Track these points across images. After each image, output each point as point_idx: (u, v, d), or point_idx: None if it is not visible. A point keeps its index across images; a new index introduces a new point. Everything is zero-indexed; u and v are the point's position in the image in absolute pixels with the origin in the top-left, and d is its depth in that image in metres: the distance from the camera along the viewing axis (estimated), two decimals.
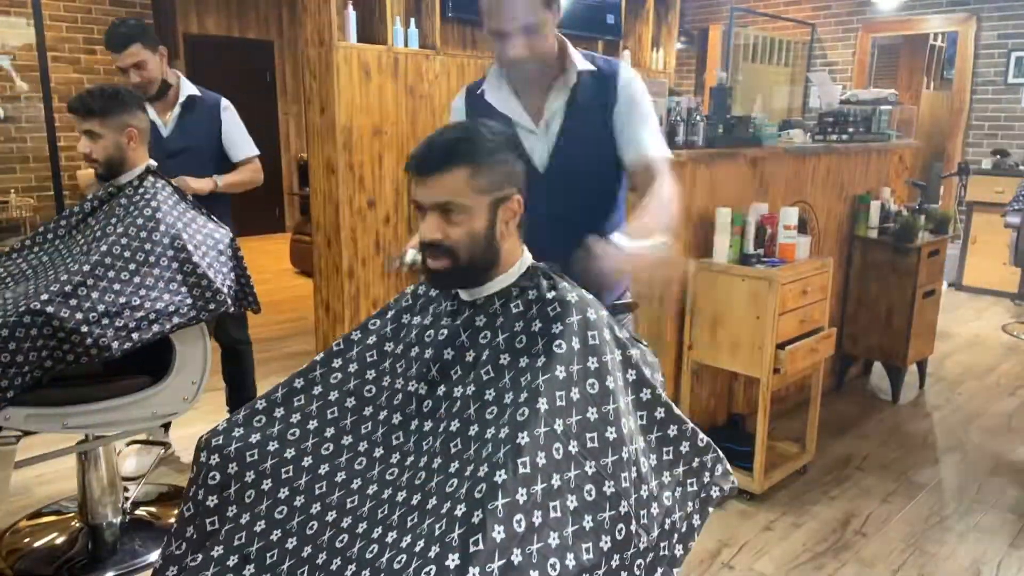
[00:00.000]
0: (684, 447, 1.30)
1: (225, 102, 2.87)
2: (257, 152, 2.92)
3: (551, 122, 1.64)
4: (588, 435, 1.16)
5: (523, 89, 1.66)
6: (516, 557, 1.02)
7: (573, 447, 1.14)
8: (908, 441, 3.34)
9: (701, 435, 1.34)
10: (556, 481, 1.10)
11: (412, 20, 3.82)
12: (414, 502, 1.16)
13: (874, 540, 2.53)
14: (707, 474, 1.33)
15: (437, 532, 1.06)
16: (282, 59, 8.44)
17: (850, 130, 3.60)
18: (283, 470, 1.27)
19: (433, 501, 1.13)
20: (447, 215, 1.25)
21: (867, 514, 2.69)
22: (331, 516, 1.21)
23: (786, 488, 2.86)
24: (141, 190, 2.18)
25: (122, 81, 2.60)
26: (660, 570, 1.21)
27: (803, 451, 2.99)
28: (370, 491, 1.22)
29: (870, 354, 3.90)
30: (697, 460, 1.32)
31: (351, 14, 3.56)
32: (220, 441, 1.30)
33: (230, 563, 1.22)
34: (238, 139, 2.88)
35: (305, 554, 1.18)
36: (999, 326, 5.20)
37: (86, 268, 2.01)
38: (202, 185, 2.63)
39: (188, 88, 2.79)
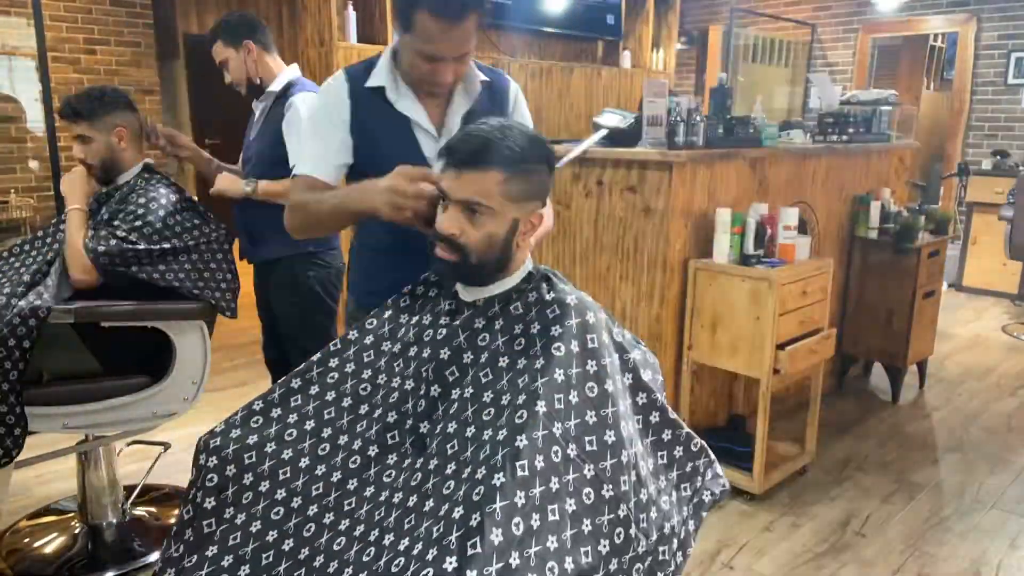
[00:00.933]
0: (677, 451, 1.30)
1: (298, 96, 2.35)
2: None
3: (452, 130, 1.55)
4: (587, 438, 1.16)
5: (424, 94, 1.57)
6: (514, 560, 1.02)
7: (572, 450, 1.14)
8: (908, 441, 3.34)
9: (695, 439, 1.34)
10: (555, 484, 1.10)
11: None
12: (411, 504, 1.16)
13: (874, 540, 2.53)
14: (699, 479, 1.33)
15: (435, 535, 1.06)
16: (282, 59, 8.43)
17: (850, 131, 3.60)
18: (280, 472, 1.27)
19: (430, 503, 1.13)
20: (471, 214, 1.24)
21: (867, 514, 2.69)
22: (328, 518, 1.21)
23: (786, 488, 2.86)
24: (137, 188, 2.18)
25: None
26: (660, 574, 1.21)
27: (803, 451, 2.99)
28: (367, 493, 1.22)
29: (870, 354, 3.90)
30: (690, 465, 1.32)
31: (351, 14, 3.57)
32: (218, 443, 1.30)
33: (224, 563, 1.22)
34: (291, 143, 2.33)
35: (302, 556, 1.18)
36: (999, 326, 5.20)
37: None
38: (228, 185, 2.35)
39: (280, 82, 2.44)
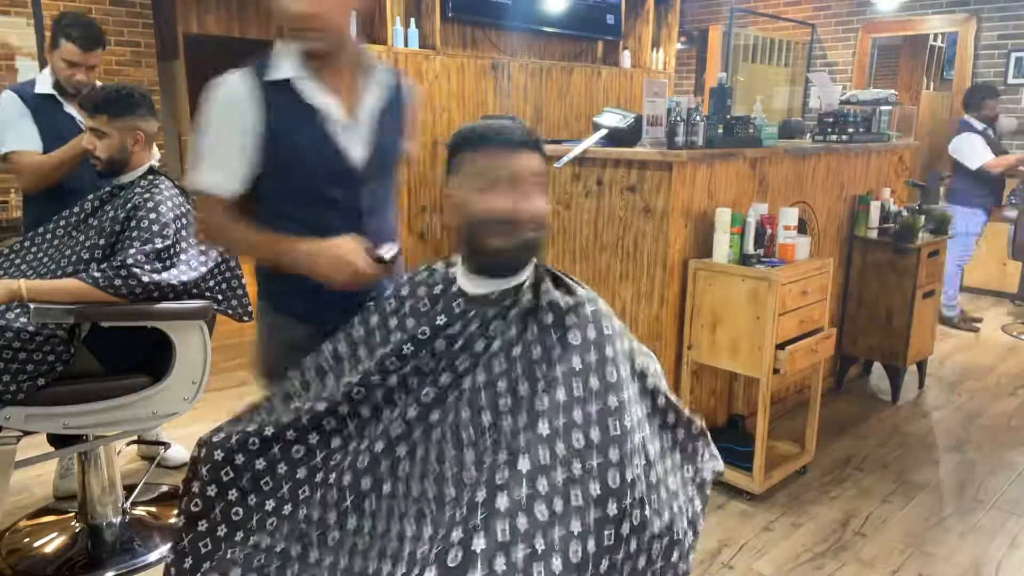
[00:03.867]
0: (680, 434, 1.34)
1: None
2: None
3: (364, 118, 1.54)
4: (611, 420, 1.19)
5: (330, 82, 1.50)
6: (539, 545, 1.05)
7: (595, 435, 1.16)
8: (908, 441, 3.34)
9: (695, 421, 1.38)
10: (577, 470, 1.12)
11: (412, 20, 3.82)
12: (431, 495, 1.18)
13: (874, 540, 2.53)
14: (699, 458, 1.37)
15: (457, 518, 1.08)
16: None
17: (850, 130, 3.60)
18: (299, 491, 1.29)
19: (449, 489, 1.15)
20: (533, 189, 1.29)
21: (867, 514, 2.69)
22: (352, 523, 1.23)
23: (786, 488, 2.86)
24: (139, 189, 2.18)
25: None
26: (676, 552, 1.24)
27: (803, 451, 2.99)
28: (385, 490, 1.23)
29: (870, 354, 3.90)
30: (691, 445, 1.37)
31: (351, 14, 3.56)
32: (220, 449, 1.32)
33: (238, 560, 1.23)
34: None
35: (312, 559, 1.19)
36: (999, 326, 5.20)
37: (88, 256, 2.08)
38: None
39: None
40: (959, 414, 3.66)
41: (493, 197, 1.24)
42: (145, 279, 2.01)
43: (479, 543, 1.02)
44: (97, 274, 1.99)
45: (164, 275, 2.06)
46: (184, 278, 2.09)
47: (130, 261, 2.00)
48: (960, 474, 3.03)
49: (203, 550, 1.29)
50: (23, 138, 2.49)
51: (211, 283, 2.22)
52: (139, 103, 2.18)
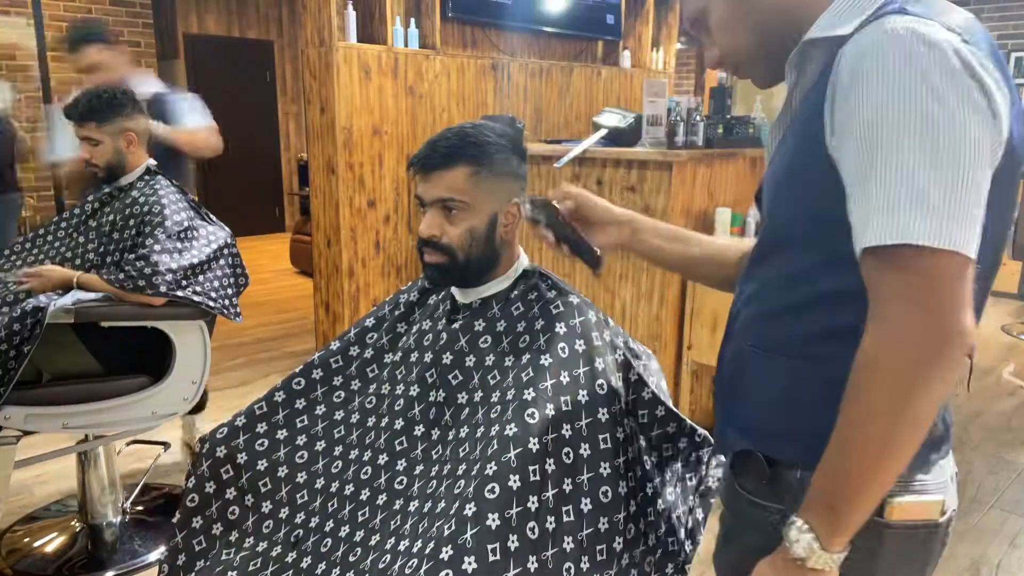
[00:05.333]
0: (682, 443, 1.31)
1: None
2: None
3: (779, 129, 0.98)
4: (600, 436, 1.16)
5: None
6: (532, 564, 1.03)
7: (584, 451, 1.14)
8: None
9: (699, 430, 1.35)
10: (568, 486, 1.10)
11: (412, 20, 3.83)
12: (425, 509, 1.16)
13: None
14: (703, 467, 1.34)
15: (446, 532, 1.06)
16: (282, 59, 8.44)
17: None
18: (298, 496, 1.28)
19: (442, 504, 1.13)
20: (447, 212, 1.24)
21: None
22: (344, 531, 1.21)
23: None
24: (136, 191, 2.18)
25: None
26: (671, 565, 1.22)
27: None
28: (380, 502, 1.22)
29: None
30: (694, 455, 1.33)
31: (351, 14, 3.56)
32: (222, 445, 1.31)
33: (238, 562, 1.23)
34: None
35: (319, 571, 1.18)
36: (999, 326, 5.20)
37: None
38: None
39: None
40: (959, 414, 3.66)
41: (422, 219, 1.28)
42: (169, 277, 2.04)
43: (470, 562, 1.00)
44: (122, 276, 2.01)
45: (183, 261, 2.10)
46: (195, 261, 2.13)
47: (155, 259, 2.04)
48: (960, 474, 3.02)
49: (197, 548, 1.28)
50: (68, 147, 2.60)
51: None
52: (123, 103, 2.15)
